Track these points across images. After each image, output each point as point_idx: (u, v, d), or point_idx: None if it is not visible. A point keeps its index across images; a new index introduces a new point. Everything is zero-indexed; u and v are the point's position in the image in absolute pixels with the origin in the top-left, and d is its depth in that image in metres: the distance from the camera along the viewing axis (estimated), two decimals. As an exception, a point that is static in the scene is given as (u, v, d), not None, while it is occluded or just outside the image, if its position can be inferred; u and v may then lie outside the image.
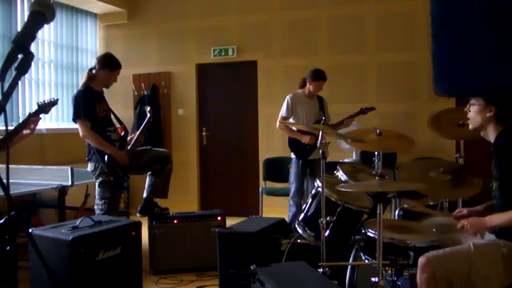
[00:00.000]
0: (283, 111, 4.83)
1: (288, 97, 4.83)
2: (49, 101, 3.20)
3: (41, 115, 3.12)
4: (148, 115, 4.21)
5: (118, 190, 3.97)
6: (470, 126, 2.51)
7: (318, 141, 2.95)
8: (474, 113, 2.46)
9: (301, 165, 4.74)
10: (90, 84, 3.90)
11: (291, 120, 4.80)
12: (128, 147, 4.08)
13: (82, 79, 4.08)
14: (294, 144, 4.78)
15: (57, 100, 3.30)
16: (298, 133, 4.69)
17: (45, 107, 3.16)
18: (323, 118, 4.38)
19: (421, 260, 2.25)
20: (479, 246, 2.27)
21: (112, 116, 4.06)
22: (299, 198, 4.72)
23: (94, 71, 3.92)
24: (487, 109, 2.39)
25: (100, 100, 3.94)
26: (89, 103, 3.80)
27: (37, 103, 3.16)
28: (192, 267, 4.10)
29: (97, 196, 3.93)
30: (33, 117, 3.04)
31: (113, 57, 4.01)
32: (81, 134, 3.82)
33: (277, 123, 4.86)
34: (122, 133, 4.07)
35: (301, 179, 4.76)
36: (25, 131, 3.03)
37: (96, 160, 3.87)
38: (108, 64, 3.93)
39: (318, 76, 4.76)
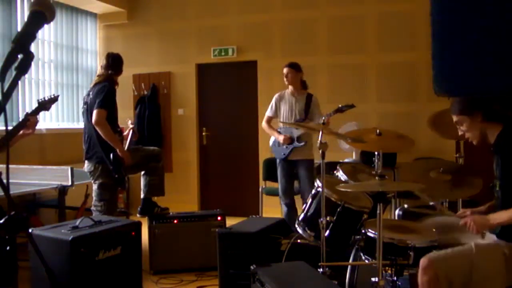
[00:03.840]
0: (267, 111, 4.86)
1: (274, 97, 4.85)
2: (49, 98, 3.21)
3: (41, 113, 3.13)
4: (130, 126, 4.30)
5: (121, 189, 3.98)
6: (474, 142, 2.46)
7: (318, 141, 2.95)
8: (468, 128, 2.43)
9: (285, 165, 4.73)
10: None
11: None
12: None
13: (82, 78, 4.12)
14: (273, 144, 4.81)
15: (58, 96, 3.31)
16: (276, 132, 4.72)
17: (45, 104, 3.17)
18: (305, 116, 4.40)
19: (423, 261, 2.23)
20: (481, 246, 2.26)
21: None
22: (286, 198, 4.73)
23: (110, 71, 3.98)
24: (474, 118, 2.37)
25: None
26: (114, 99, 3.95)
27: (37, 100, 3.17)
28: (192, 267, 4.10)
29: (95, 198, 3.93)
30: (31, 116, 3.04)
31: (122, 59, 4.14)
32: (95, 120, 3.78)
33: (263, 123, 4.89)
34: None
35: (285, 179, 4.74)
36: (26, 131, 3.04)
37: (97, 160, 3.86)
38: (121, 68, 4.09)
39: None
